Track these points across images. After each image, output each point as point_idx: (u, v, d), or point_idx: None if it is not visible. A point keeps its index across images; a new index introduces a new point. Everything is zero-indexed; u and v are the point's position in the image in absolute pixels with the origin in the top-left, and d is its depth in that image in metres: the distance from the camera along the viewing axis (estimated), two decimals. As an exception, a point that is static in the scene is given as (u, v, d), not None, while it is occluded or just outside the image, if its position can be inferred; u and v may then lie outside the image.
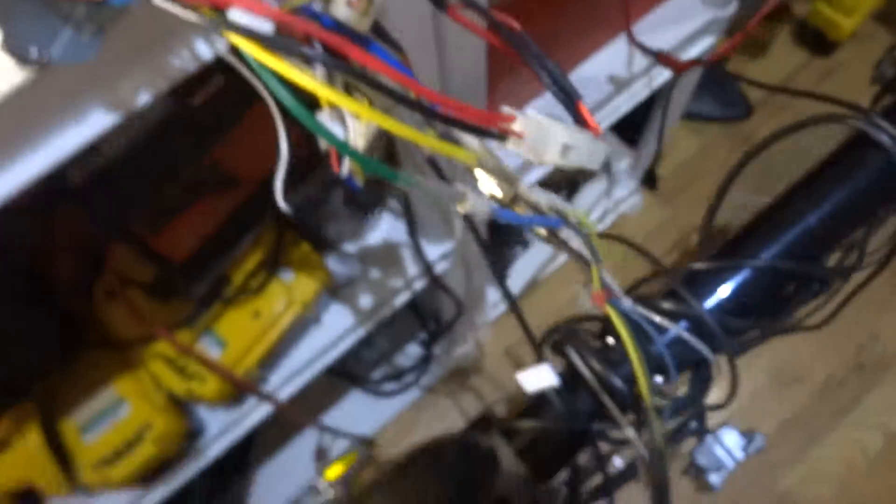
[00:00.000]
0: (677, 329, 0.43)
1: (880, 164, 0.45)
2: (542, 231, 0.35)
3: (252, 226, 0.62)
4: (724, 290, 0.45)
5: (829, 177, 0.46)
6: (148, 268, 0.62)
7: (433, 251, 0.80)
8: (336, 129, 0.33)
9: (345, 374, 1.17)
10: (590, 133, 0.32)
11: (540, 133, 0.31)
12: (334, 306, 0.79)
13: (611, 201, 1.31)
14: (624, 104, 0.89)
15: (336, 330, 0.78)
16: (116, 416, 0.65)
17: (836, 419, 1.25)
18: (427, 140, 0.28)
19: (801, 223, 0.45)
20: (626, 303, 0.37)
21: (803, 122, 0.47)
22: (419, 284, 0.82)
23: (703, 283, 0.46)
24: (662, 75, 0.90)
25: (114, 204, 0.59)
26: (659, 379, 0.46)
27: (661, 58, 0.71)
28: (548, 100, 0.87)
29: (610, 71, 0.86)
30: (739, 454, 0.86)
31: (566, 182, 1.21)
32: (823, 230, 0.45)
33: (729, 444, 0.87)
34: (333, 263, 0.79)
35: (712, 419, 1.26)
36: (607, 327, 0.48)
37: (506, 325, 1.30)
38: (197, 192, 0.59)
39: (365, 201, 0.52)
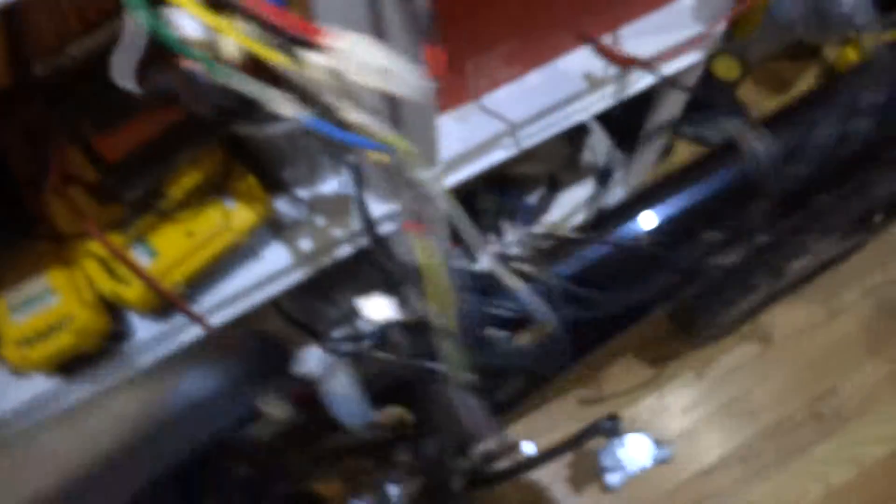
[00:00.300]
0: (519, 285, 0.45)
1: (736, 171, 0.46)
2: (379, 157, 0.38)
3: (190, 144, 0.66)
4: (578, 261, 0.47)
5: (694, 173, 0.47)
6: (91, 168, 0.66)
7: (379, 210, 0.83)
8: (191, 26, 0.37)
9: (304, 327, 1.20)
10: (412, 67, 0.35)
11: (357, 51, 0.33)
12: (276, 245, 0.82)
13: (598, 208, 1.32)
14: (596, 104, 0.90)
15: (274, 266, 0.81)
16: (45, 304, 0.70)
17: (782, 461, 1.24)
18: (243, 39, 0.31)
19: (661, 211, 0.47)
20: (435, 238, 0.40)
21: (688, 117, 0.49)
22: (363, 241, 0.85)
23: (566, 252, 0.48)
24: (642, 81, 0.92)
25: (71, 102, 0.64)
26: (503, 333, 0.48)
27: (600, 47, 0.72)
28: (516, 88, 0.89)
29: (587, 68, 0.88)
30: (647, 461, 0.88)
31: (546, 179, 1.23)
32: (678, 222, 0.47)
33: (637, 448, 0.88)
34: (282, 204, 0.83)
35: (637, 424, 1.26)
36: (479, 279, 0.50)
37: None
38: (144, 103, 0.63)
39: (220, 104, 0.54)
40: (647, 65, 0.68)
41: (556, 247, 0.49)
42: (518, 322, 0.48)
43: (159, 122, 0.63)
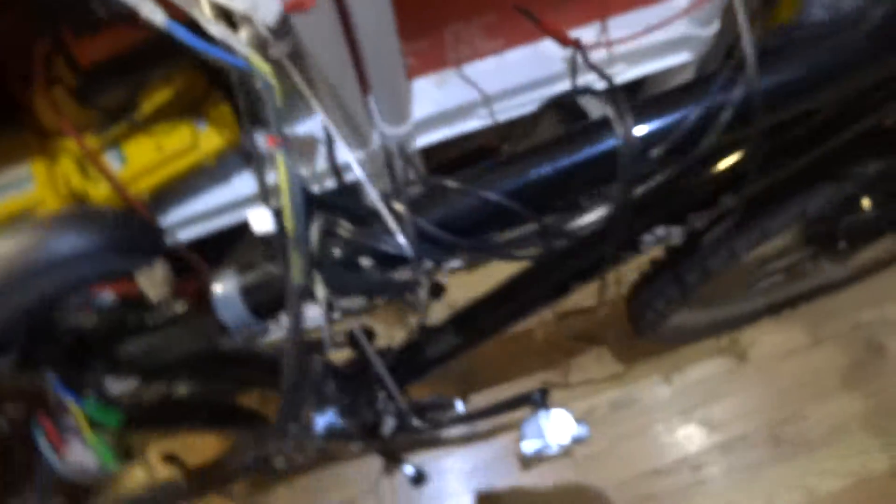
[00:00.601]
0: (390, 221, 0.49)
1: (605, 147, 0.48)
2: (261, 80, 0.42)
3: (163, 61, 0.72)
4: (447, 207, 0.50)
5: (566, 142, 0.50)
6: (70, 72, 0.72)
7: (347, 156, 0.87)
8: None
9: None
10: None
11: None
12: (246, 174, 0.88)
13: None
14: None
15: (241, 193, 0.87)
16: (21, 189, 0.77)
17: (731, 477, 1.24)
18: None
19: (527, 173, 0.49)
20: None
21: (566, 94, 0.52)
22: (329, 182, 0.90)
23: (438, 197, 0.51)
24: (629, 71, 0.93)
25: (56, 7, 0.70)
26: (369, 262, 0.52)
27: (542, 24, 0.74)
28: (498, 61, 0.92)
29: (567, 53, 0.90)
30: (566, 437, 0.91)
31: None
32: (541, 187, 0.49)
33: (558, 423, 0.92)
34: (259, 137, 0.88)
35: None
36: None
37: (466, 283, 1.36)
38: (120, 18, 0.68)
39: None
40: (580, 48, 0.69)
41: (435, 193, 0.52)
42: (395, 258, 0.52)
43: (134, 35, 0.69)
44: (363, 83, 0.80)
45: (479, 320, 0.79)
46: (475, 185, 0.50)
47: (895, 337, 1.33)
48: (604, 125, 0.48)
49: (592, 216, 0.51)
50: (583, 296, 1.37)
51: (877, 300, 1.35)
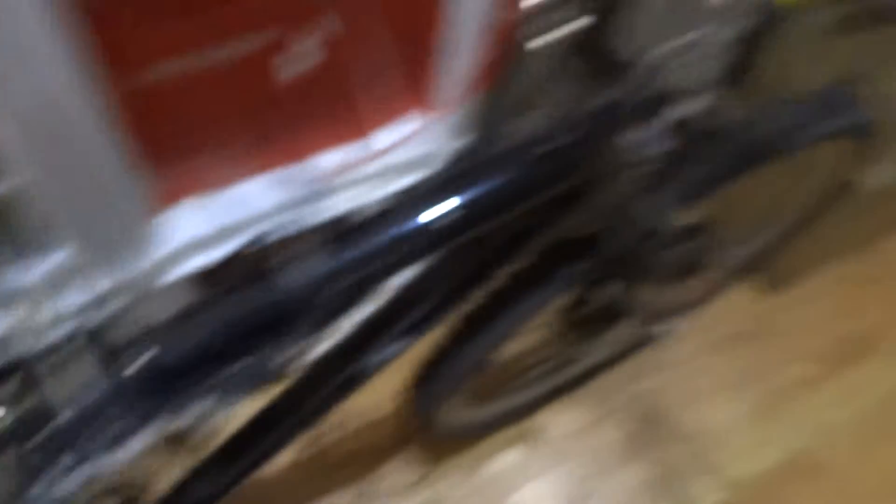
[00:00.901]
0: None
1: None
2: None
3: None
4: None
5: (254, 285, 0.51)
6: None
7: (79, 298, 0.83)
8: None
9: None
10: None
11: None
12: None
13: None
14: (346, 202, 0.95)
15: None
16: None
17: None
18: None
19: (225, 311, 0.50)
20: None
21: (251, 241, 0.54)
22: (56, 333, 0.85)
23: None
24: (376, 192, 0.98)
25: None
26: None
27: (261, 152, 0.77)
28: (268, 179, 0.94)
29: (341, 167, 0.94)
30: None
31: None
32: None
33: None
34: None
35: None
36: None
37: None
38: None
39: None
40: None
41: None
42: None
43: None
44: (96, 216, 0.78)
45: (241, 453, 0.76)
46: (187, 320, 0.50)
47: (669, 402, 1.45)
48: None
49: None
50: (382, 401, 1.39)
51: (650, 369, 1.48)
